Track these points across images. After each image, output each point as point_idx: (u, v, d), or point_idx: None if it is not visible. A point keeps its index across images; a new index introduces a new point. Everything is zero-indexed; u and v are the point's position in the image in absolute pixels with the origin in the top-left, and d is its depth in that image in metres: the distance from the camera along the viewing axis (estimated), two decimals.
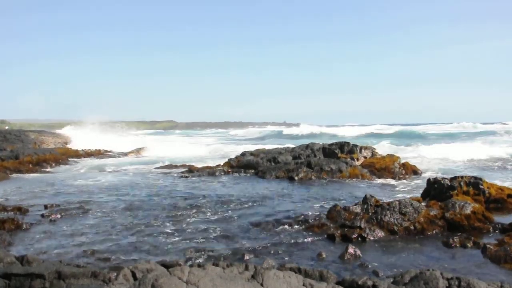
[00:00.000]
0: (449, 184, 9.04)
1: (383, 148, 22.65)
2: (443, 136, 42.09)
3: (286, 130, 65.66)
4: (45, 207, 9.18)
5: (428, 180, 9.59)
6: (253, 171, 15.52)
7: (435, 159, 19.82)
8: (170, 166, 17.80)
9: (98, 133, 39.35)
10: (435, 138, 40.29)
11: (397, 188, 12.01)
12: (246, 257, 5.90)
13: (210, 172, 15.32)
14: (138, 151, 26.93)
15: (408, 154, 21.39)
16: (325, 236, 6.96)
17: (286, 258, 5.92)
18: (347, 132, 51.43)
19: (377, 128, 57.61)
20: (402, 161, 15.56)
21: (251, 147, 25.18)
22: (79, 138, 33.96)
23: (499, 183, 10.35)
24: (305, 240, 6.84)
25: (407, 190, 11.70)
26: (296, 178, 13.45)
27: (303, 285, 3.61)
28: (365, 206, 7.58)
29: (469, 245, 6.30)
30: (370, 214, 7.37)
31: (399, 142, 31.61)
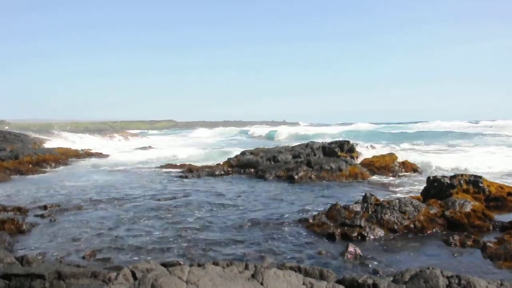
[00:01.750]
0: (449, 182, 9.04)
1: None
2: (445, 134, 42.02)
3: (252, 130, 64.01)
4: (45, 207, 9.18)
5: (428, 178, 9.58)
6: (253, 170, 15.51)
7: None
8: (169, 166, 17.80)
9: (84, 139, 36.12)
10: (437, 137, 40.17)
11: (397, 187, 12.00)
12: (246, 256, 5.90)
13: (210, 171, 15.32)
14: (138, 151, 26.96)
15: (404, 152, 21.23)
16: (325, 235, 6.96)
17: (286, 257, 5.92)
18: (324, 131, 49.38)
19: (358, 126, 55.67)
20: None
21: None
22: None
23: None
24: (305, 239, 6.84)
25: (407, 188, 11.69)
26: (296, 177, 13.44)
27: (303, 284, 3.60)
28: (365, 204, 7.58)
29: (469, 243, 6.29)
30: (370, 212, 7.37)
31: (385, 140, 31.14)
